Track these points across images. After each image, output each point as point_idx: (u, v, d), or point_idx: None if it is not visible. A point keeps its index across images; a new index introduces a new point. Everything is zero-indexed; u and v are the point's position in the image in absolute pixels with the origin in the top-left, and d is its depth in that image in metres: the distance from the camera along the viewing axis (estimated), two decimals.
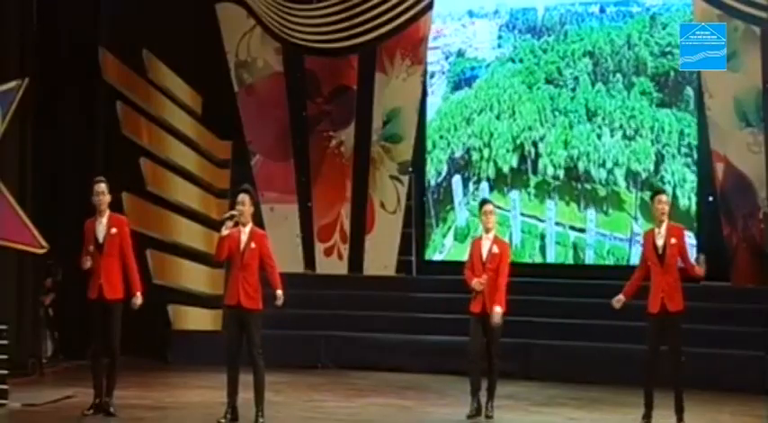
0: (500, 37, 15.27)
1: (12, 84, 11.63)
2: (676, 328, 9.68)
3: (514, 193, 14.97)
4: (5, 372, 10.55)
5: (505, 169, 15.06)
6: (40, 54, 12.92)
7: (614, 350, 12.65)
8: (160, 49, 14.44)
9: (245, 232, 9.59)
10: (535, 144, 14.94)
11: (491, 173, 15.10)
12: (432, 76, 15.47)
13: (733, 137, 13.42)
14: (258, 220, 12.37)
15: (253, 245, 9.55)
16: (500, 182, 15.05)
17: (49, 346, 13.44)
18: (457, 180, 15.34)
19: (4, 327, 10.71)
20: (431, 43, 15.20)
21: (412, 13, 14.80)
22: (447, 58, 15.52)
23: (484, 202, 10.80)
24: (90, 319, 10.20)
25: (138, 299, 10.05)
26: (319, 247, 15.30)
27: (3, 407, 10.34)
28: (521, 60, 15.11)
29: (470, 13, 15.51)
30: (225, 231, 9.57)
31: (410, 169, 15.01)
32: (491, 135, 15.19)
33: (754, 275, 13.31)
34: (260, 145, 15.43)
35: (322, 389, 12.15)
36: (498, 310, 10.16)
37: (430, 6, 14.82)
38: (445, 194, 15.36)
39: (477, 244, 10.40)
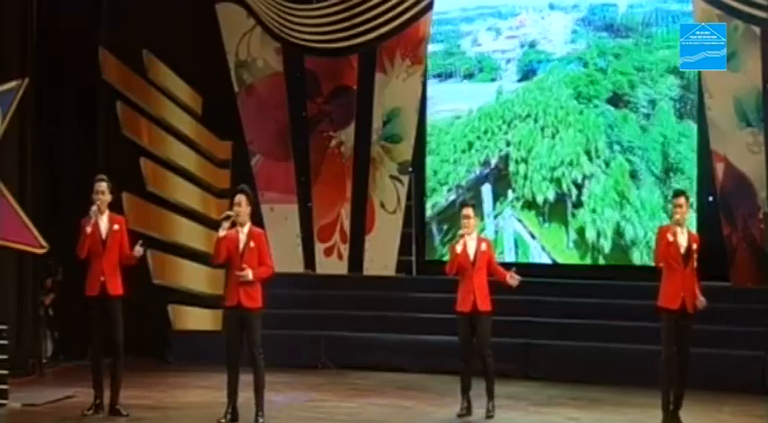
0: (574, 32, 14.34)
1: (12, 84, 11.66)
2: (691, 328, 9.70)
3: (547, 227, 13.57)
4: (5, 372, 10.55)
5: (540, 199, 13.99)
6: (40, 54, 12.91)
7: (614, 350, 12.67)
8: (160, 49, 14.43)
9: (243, 232, 9.58)
10: (578, 186, 13.34)
11: (527, 193, 14.20)
12: (508, 62, 14.89)
13: (733, 137, 13.41)
14: (258, 220, 12.37)
15: (252, 244, 9.55)
16: (536, 206, 14.11)
17: (49, 346, 13.44)
18: (487, 189, 14.67)
19: (4, 327, 10.72)
20: (510, 32, 14.81)
21: (412, 13, 14.78)
22: (522, 46, 14.86)
23: (463, 204, 10.90)
24: (90, 316, 10.18)
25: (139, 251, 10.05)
26: (319, 248, 15.30)
27: (3, 407, 10.34)
28: (585, 64, 13.81)
29: (551, 6, 14.67)
30: (222, 233, 9.56)
31: (410, 169, 15.01)
32: (529, 151, 14.15)
33: (754, 275, 13.31)
34: (260, 145, 15.43)
35: (322, 389, 12.15)
36: None
37: (430, 6, 14.81)
38: (475, 201, 14.51)
39: (460, 244, 10.38)
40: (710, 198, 13.70)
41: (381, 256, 14.97)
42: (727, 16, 13.15)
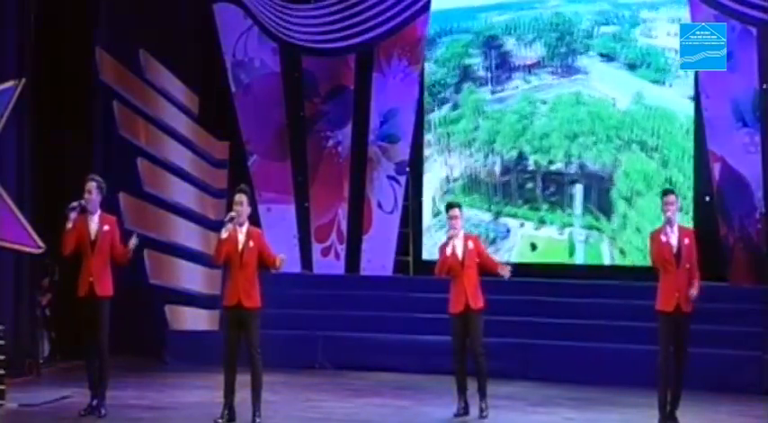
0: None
1: (9, 83, 11.63)
2: (689, 327, 9.69)
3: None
4: (2, 372, 10.52)
5: (630, 259, 12.99)
6: (39, 54, 12.89)
7: (612, 350, 12.67)
8: (157, 49, 14.44)
9: (242, 232, 9.59)
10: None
11: (623, 240, 13.34)
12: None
13: (730, 137, 13.44)
14: (255, 220, 12.39)
15: (251, 244, 9.56)
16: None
17: (45, 347, 13.42)
18: (579, 189, 13.99)
19: (1, 327, 10.70)
20: (641, 27, 13.87)
21: (409, 13, 14.80)
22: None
23: (450, 205, 10.68)
24: (83, 317, 10.16)
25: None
26: (316, 248, 15.30)
27: (0, 407, 10.33)
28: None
29: None
30: (225, 234, 9.56)
31: (408, 169, 15.01)
32: (636, 195, 13.02)
33: (750, 275, 13.33)
34: (257, 145, 15.44)
35: (319, 389, 12.14)
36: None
37: (427, 7, 14.83)
38: (563, 191, 14.15)
39: (450, 246, 10.37)
40: (707, 198, 13.72)
41: (379, 257, 14.98)
42: (723, 17, 13.16)
